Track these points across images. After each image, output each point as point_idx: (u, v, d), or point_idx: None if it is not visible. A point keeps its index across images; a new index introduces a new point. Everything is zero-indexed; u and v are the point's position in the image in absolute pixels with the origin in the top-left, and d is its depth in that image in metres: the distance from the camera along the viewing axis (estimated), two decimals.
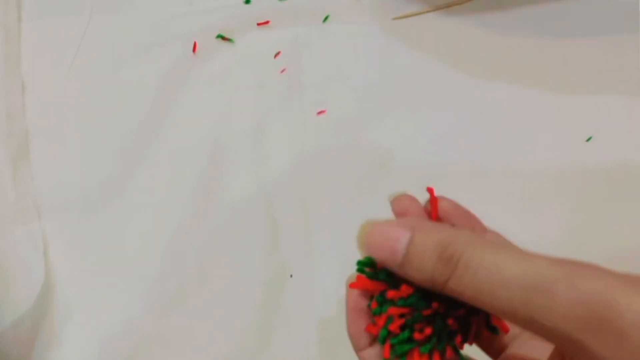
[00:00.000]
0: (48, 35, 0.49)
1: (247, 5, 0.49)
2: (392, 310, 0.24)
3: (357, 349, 0.26)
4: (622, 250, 0.43)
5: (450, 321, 0.24)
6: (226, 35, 0.48)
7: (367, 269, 0.26)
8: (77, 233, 0.44)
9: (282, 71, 0.48)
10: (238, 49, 0.48)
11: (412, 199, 0.28)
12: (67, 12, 0.49)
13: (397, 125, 0.47)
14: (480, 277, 0.21)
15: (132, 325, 0.42)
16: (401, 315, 0.24)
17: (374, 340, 0.26)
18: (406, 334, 0.24)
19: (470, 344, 0.25)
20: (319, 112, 0.47)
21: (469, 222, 0.28)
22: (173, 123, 0.47)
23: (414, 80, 0.48)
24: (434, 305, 0.24)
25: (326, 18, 0.49)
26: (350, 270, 0.44)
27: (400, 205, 0.28)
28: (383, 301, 0.25)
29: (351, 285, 0.26)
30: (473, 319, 0.25)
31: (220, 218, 0.45)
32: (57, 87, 0.48)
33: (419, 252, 0.23)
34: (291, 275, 0.43)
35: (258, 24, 0.49)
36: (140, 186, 0.45)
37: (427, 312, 0.24)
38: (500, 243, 0.24)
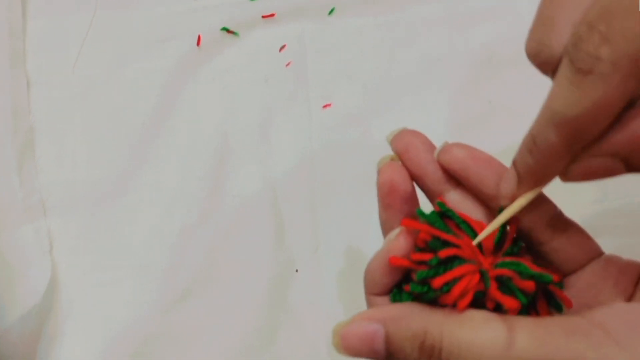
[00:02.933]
0: (53, 31, 0.49)
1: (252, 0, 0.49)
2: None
3: (372, 293, 0.26)
4: None
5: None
6: (231, 29, 0.48)
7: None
8: (83, 230, 0.44)
9: (288, 64, 0.48)
10: (243, 43, 0.48)
11: (414, 133, 0.27)
12: (71, 8, 0.49)
13: (404, 119, 0.46)
14: None
15: (137, 322, 0.42)
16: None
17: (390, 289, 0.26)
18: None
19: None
20: (325, 106, 0.47)
21: (492, 172, 0.26)
22: (178, 118, 0.47)
23: (422, 74, 0.47)
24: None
25: (332, 11, 0.49)
26: (356, 264, 0.44)
27: (402, 143, 0.27)
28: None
29: (403, 223, 0.25)
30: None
31: (227, 213, 0.44)
32: (63, 83, 0.47)
33: (399, 348, 0.22)
34: (297, 270, 0.43)
35: (263, 17, 0.48)
36: (145, 182, 0.45)
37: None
38: (475, 317, 0.23)
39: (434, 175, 0.27)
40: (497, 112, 0.46)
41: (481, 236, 0.25)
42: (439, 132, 0.46)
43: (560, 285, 0.25)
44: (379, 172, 0.27)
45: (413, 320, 0.23)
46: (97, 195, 0.45)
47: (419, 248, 0.25)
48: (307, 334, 0.42)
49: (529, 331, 0.21)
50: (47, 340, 0.41)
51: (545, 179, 0.24)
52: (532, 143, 0.23)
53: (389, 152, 0.45)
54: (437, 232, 0.24)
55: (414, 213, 0.27)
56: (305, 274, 0.43)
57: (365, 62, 0.48)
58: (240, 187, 0.45)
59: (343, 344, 0.23)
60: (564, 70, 0.21)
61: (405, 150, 0.27)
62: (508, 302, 0.23)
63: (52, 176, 0.45)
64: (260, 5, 0.48)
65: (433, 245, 0.24)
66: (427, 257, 0.24)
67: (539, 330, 0.21)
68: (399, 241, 0.25)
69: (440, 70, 0.47)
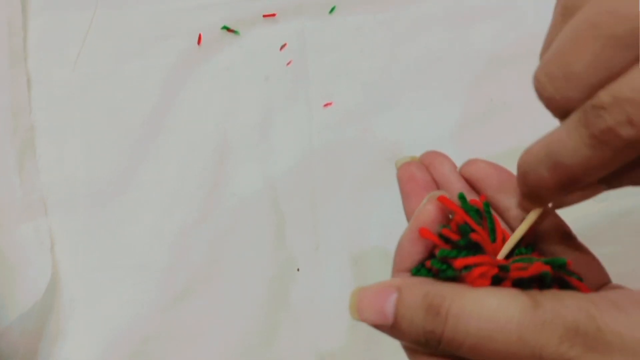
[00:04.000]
0: (53, 29, 0.49)
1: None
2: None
3: (401, 269, 0.26)
4: None
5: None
6: (231, 27, 0.48)
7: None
8: (84, 228, 0.44)
9: (288, 63, 0.48)
10: (243, 42, 0.48)
11: (437, 153, 0.28)
12: (72, 6, 0.49)
13: (405, 118, 0.46)
14: (474, 326, 0.21)
15: (138, 320, 0.42)
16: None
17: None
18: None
19: None
20: (326, 105, 0.47)
21: (510, 187, 0.27)
22: (179, 117, 0.47)
23: (422, 72, 0.47)
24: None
25: (332, 9, 0.49)
26: (357, 263, 0.43)
27: (427, 157, 0.28)
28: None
29: (439, 199, 0.25)
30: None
31: (227, 212, 0.44)
32: (63, 81, 0.47)
33: (407, 308, 0.22)
34: (298, 269, 0.43)
35: (264, 16, 0.48)
36: (146, 181, 0.45)
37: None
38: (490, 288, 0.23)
39: (456, 185, 0.28)
40: (498, 109, 0.46)
41: (501, 253, 0.25)
42: (440, 130, 0.46)
43: (579, 276, 0.25)
44: (399, 169, 0.28)
45: (427, 284, 0.23)
46: (97, 194, 0.45)
47: (448, 226, 0.25)
48: (308, 333, 0.42)
49: (549, 297, 0.21)
50: (49, 339, 0.41)
51: (541, 203, 0.24)
52: (523, 176, 0.23)
53: (389, 150, 0.46)
54: (470, 221, 0.25)
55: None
56: (305, 272, 0.43)
57: (366, 60, 0.48)
58: (241, 186, 0.45)
59: (358, 305, 0.23)
60: (576, 125, 0.20)
61: (429, 162, 0.28)
62: (531, 270, 0.23)
63: (53, 175, 0.45)
64: (261, 4, 0.48)
65: (463, 229, 0.24)
66: (455, 236, 0.24)
67: (556, 297, 0.21)
68: (427, 208, 0.25)
69: (441, 68, 0.47)
